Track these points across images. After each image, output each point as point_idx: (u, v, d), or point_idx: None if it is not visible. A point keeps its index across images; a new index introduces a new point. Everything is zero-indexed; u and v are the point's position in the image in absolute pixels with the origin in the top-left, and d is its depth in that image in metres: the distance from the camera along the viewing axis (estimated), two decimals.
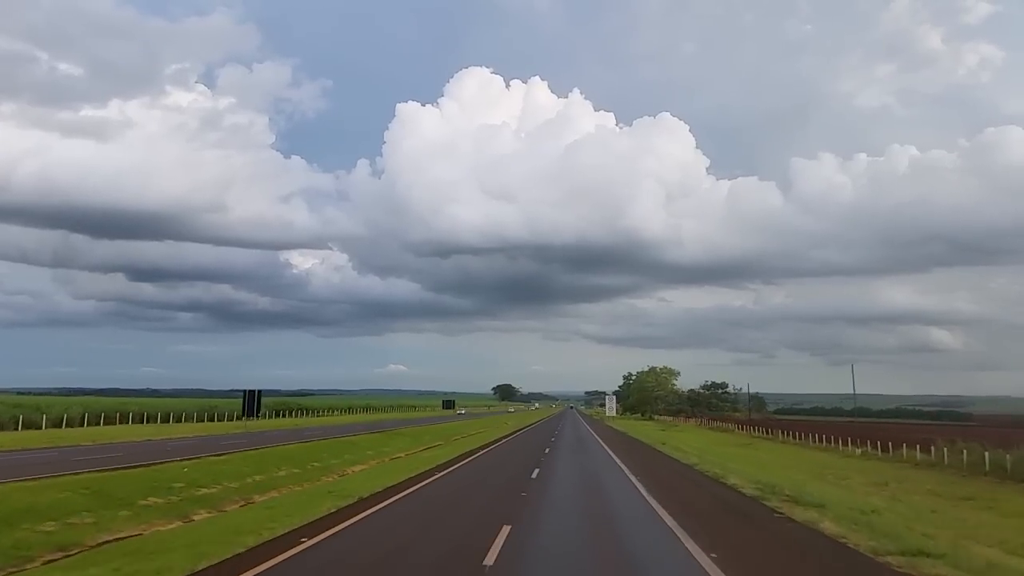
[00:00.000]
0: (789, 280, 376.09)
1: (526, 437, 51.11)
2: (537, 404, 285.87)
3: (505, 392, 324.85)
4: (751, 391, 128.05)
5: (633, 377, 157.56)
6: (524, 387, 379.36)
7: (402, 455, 30.88)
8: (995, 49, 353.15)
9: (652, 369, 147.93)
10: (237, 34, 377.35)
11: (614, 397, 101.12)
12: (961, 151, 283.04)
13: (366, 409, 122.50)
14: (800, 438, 57.78)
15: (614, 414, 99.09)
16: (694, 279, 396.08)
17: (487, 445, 39.29)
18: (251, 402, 46.52)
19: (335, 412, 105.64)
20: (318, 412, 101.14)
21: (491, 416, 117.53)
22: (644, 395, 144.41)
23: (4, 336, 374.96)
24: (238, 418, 62.56)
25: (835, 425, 67.58)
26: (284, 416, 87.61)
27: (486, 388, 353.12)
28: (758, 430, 72.32)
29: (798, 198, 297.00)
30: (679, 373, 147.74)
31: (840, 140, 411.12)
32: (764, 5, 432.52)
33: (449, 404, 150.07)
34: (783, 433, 63.51)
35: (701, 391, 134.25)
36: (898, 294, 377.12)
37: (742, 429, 78.15)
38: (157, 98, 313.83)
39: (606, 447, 39.65)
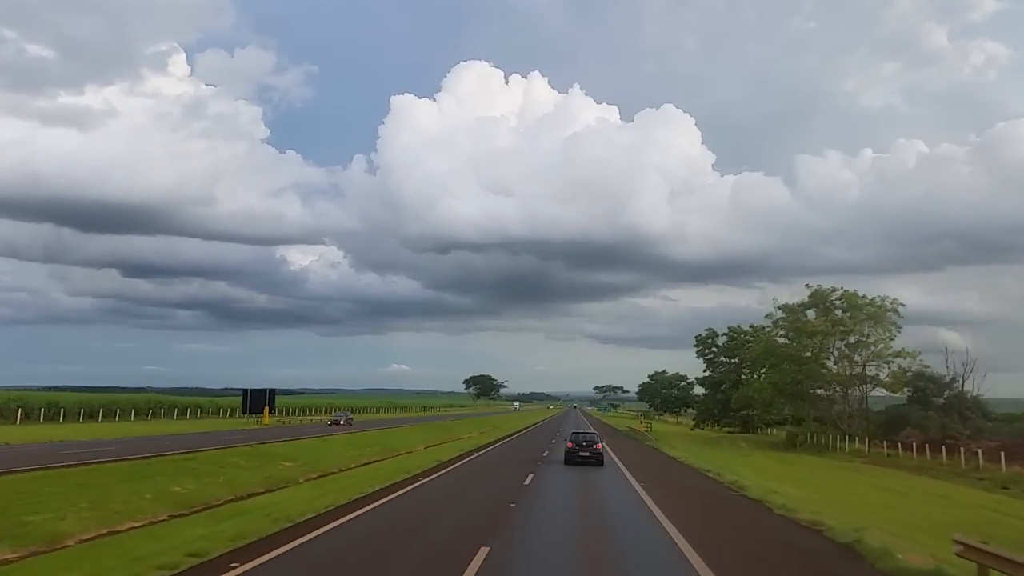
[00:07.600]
0: (797, 278, 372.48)
1: None
2: (516, 405, 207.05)
3: (483, 386, 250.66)
4: None
5: (744, 331, 76.33)
6: (527, 387, 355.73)
7: None
8: (1001, 47, 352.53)
9: (818, 292, 58.24)
10: (213, 10, 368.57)
11: None
12: (971, 146, 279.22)
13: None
14: None
15: None
16: (699, 277, 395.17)
17: None
18: None
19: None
20: None
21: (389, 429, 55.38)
22: (798, 377, 58.12)
23: (4, 333, 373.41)
24: None
25: None
26: None
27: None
28: None
29: (804, 194, 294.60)
30: (902, 312, 56.91)
31: (845, 137, 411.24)
32: (768, 2, 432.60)
33: (259, 401, 65.46)
34: None
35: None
36: (909, 292, 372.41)
37: None
38: (136, 84, 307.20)
39: None
